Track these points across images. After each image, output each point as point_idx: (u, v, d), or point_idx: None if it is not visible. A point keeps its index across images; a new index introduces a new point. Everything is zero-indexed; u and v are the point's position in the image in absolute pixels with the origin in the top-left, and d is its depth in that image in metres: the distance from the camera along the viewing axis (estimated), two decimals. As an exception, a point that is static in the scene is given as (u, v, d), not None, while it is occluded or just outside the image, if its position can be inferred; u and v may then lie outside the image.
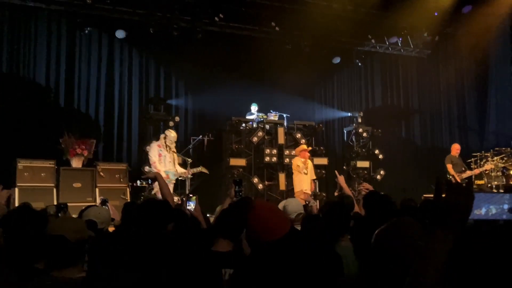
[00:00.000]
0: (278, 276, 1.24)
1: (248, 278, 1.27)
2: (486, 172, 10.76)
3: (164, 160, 8.19)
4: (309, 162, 9.70)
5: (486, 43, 12.06)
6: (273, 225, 2.25)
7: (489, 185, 10.47)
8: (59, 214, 4.20)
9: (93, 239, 2.48)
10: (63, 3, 9.79)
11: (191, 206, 4.00)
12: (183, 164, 8.64)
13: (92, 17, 9.98)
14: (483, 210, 1.57)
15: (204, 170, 8.58)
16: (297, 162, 9.52)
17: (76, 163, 8.90)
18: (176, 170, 8.28)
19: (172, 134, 8.38)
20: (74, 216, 4.47)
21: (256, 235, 2.24)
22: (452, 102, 12.68)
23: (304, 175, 9.34)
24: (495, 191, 9.83)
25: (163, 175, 7.82)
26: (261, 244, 2.19)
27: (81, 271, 2.20)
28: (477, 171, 10.52)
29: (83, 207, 3.93)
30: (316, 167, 10.61)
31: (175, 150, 8.45)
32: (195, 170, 8.46)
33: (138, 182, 4.74)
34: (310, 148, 9.88)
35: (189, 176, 8.53)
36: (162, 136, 8.45)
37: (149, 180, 4.84)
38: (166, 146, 8.25)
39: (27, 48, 9.61)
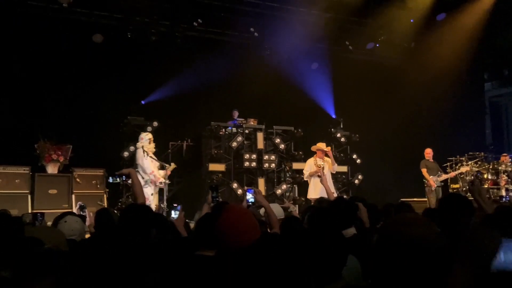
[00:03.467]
0: (246, 283, 1.20)
1: (214, 283, 1.24)
2: (462, 176, 10.99)
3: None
4: (328, 160, 8.83)
5: (459, 51, 12.37)
6: (243, 230, 2.15)
7: (464, 189, 10.69)
8: (36, 223, 4.10)
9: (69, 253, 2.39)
10: (39, 7, 9.64)
11: (173, 215, 3.96)
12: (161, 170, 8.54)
13: (69, 21, 9.84)
14: (501, 255, 1.25)
15: (173, 166, 8.56)
16: (306, 167, 8.92)
17: (51, 169, 8.73)
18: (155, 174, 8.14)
19: (147, 136, 8.24)
20: (49, 223, 4.38)
21: (225, 238, 2.17)
22: (428, 107, 12.92)
23: (317, 179, 8.35)
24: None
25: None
26: (229, 249, 2.12)
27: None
28: (452, 174, 10.77)
29: (59, 214, 3.85)
30: (296, 172, 10.66)
31: (152, 155, 8.33)
32: (169, 169, 8.36)
33: (111, 178, 4.66)
34: (329, 148, 9.00)
35: (166, 181, 8.32)
36: (140, 141, 8.33)
37: (123, 176, 4.74)
38: (144, 151, 8.17)
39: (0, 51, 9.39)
